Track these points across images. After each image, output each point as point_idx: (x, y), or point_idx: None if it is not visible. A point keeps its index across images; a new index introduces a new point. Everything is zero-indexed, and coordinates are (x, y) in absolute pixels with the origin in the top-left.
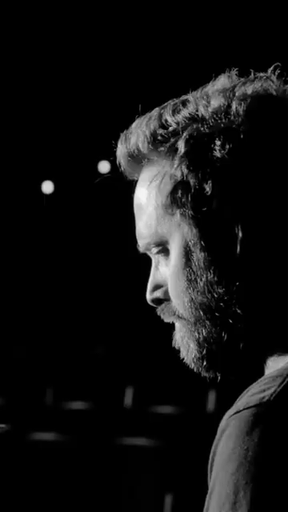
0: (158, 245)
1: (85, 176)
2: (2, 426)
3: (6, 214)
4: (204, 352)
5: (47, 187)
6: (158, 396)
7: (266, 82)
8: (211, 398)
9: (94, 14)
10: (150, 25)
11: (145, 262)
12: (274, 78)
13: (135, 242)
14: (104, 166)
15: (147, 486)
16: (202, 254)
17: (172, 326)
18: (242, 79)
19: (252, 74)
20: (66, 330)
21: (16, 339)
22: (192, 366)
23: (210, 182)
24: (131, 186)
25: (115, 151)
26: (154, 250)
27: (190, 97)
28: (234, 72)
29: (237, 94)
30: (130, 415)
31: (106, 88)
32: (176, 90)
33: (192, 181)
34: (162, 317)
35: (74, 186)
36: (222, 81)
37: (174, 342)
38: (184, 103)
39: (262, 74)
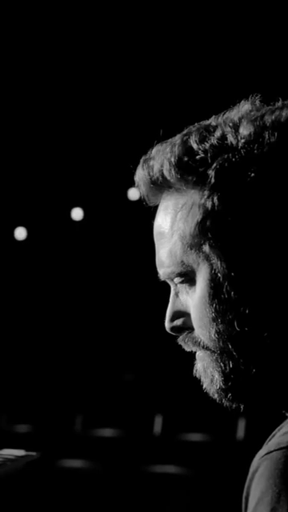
0: (182, 274)
1: (115, 203)
2: (33, 453)
3: (37, 239)
4: (230, 383)
5: (77, 214)
6: (188, 423)
7: None
8: (241, 425)
9: (118, 39)
10: (169, 50)
11: (165, 292)
12: None
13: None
14: (134, 193)
15: None
16: (232, 286)
17: (193, 355)
18: (269, 107)
19: (280, 101)
20: (95, 356)
21: (45, 366)
22: (215, 396)
23: (242, 214)
24: (150, 211)
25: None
26: (178, 279)
27: (213, 123)
28: (258, 98)
29: (268, 123)
30: (160, 443)
31: (132, 115)
32: (197, 115)
33: (223, 212)
34: (183, 346)
35: (103, 213)
36: (247, 107)
37: (194, 371)
38: (209, 130)
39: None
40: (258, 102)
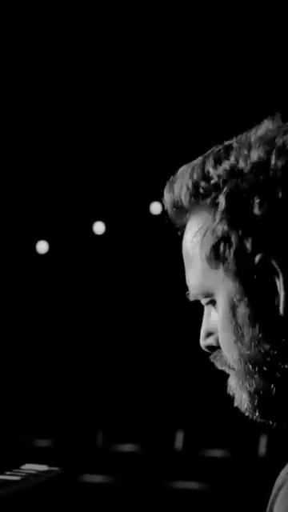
0: (205, 296)
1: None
2: (56, 468)
3: (59, 252)
4: (256, 403)
5: (99, 228)
6: (209, 439)
7: None
8: (263, 441)
9: (130, 61)
10: (192, 67)
11: (188, 310)
12: None
13: (181, 284)
14: (156, 208)
15: None
16: (247, 309)
17: (223, 371)
18: (284, 127)
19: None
20: (118, 372)
21: (68, 382)
22: (246, 414)
23: (250, 238)
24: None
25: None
26: (204, 300)
27: (234, 143)
28: (279, 116)
29: (276, 147)
30: (181, 458)
31: (155, 131)
32: (218, 134)
33: (233, 237)
34: (215, 364)
35: (125, 227)
36: (265, 126)
37: (228, 389)
38: (227, 152)
39: None
40: (279, 120)
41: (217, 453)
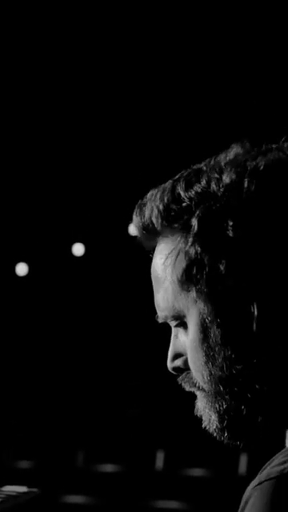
0: (175, 318)
1: (115, 238)
2: (35, 490)
3: (39, 274)
4: (225, 423)
5: (78, 250)
6: (190, 459)
7: (278, 153)
8: (243, 460)
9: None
10: (179, 79)
11: (164, 332)
12: (286, 148)
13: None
14: (134, 229)
15: None
16: (219, 330)
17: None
18: (254, 152)
19: (264, 145)
20: (98, 392)
21: (47, 402)
22: (214, 434)
23: (223, 260)
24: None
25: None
26: (173, 322)
27: (203, 167)
28: (247, 142)
29: (248, 170)
30: (162, 478)
31: (132, 152)
32: (196, 155)
33: (206, 259)
34: (183, 386)
35: (104, 249)
36: (235, 150)
37: (195, 410)
38: (197, 175)
39: (273, 146)
40: (247, 145)
41: (197, 472)
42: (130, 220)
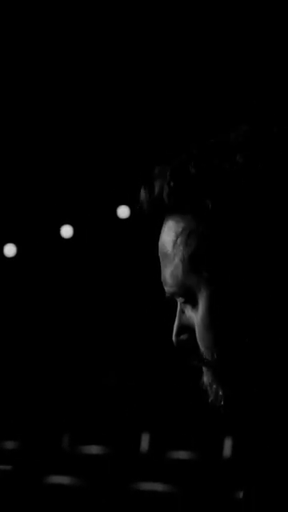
0: (184, 295)
1: (104, 221)
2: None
3: (27, 255)
4: (232, 399)
5: (66, 232)
6: (175, 441)
7: None
8: (227, 444)
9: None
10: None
11: (161, 306)
12: None
13: (152, 285)
14: (123, 212)
15: None
16: (230, 310)
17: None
18: (268, 131)
19: (274, 124)
20: (84, 374)
21: (33, 383)
22: (219, 410)
23: (236, 241)
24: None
25: (138, 196)
26: (181, 299)
27: (214, 147)
28: (258, 120)
29: (262, 150)
30: (147, 460)
31: (123, 134)
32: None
33: (219, 239)
34: (189, 359)
35: (93, 231)
36: (245, 130)
37: (201, 383)
38: (208, 155)
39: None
40: (258, 125)
41: (182, 455)
42: (118, 202)
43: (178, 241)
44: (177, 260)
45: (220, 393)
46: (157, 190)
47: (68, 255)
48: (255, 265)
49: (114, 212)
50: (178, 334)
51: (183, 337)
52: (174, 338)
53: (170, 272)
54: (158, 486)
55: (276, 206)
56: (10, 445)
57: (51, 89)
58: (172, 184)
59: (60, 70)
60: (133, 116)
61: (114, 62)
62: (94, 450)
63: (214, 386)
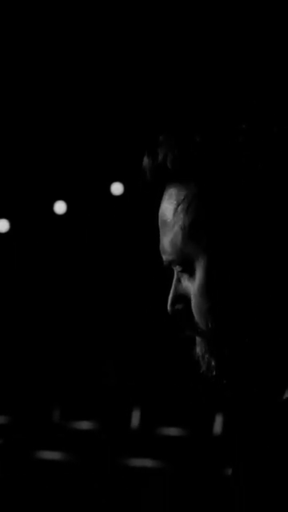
0: (182, 263)
1: (97, 197)
2: None
3: (20, 231)
4: (225, 371)
5: (60, 208)
6: (165, 418)
7: None
8: (218, 421)
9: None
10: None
11: (152, 283)
12: None
13: (146, 262)
14: (117, 188)
15: (151, 507)
16: (228, 279)
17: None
18: (271, 100)
19: (281, 94)
20: (74, 349)
21: (23, 358)
22: (211, 381)
23: (239, 210)
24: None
25: (141, 163)
26: (178, 267)
27: (219, 117)
28: (261, 89)
29: (268, 121)
30: (137, 436)
31: (121, 110)
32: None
33: (221, 208)
34: (182, 329)
35: (86, 207)
36: (250, 100)
37: (193, 354)
38: (214, 123)
39: None
40: (262, 101)
41: (173, 431)
42: (112, 179)
43: (179, 208)
44: (177, 228)
45: (212, 363)
46: (161, 156)
47: (61, 231)
48: (256, 234)
49: (108, 189)
50: (173, 303)
51: (178, 306)
52: (168, 307)
53: (170, 240)
54: (147, 462)
55: (280, 176)
56: (0, 419)
57: (43, 64)
58: (177, 151)
59: (51, 47)
60: (127, 92)
61: (107, 40)
62: (84, 425)
63: (207, 357)
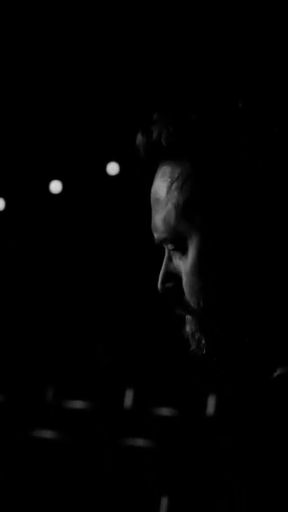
0: (174, 242)
1: (93, 177)
2: None
3: (16, 210)
4: (215, 349)
5: (55, 187)
6: (159, 398)
7: None
8: (211, 401)
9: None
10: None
11: (147, 264)
12: None
13: (137, 244)
14: (113, 168)
15: (144, 488)
16: (221, 258)
17: (176, 320)
18: (266, 85)
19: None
20: (68, 328)
21: (17, 337)
22: (201, 359)
23: (235, 189)
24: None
25: (135, 141)
26: (170, 246)
27: (215, 96)
28: (257, 71)
29: (263, 99)
30: (130, 416)
31: (116, 90)
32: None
33: (215, 187)
34: (173, 307)
35: (82, 187)
36: (246, 82)
37: (183, 332)
38: (209, 103)
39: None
40: (258, 82)
41: (166, 411)
42: (108, 159)
43: (173, 186)
44: (170, 205)
45: (203, 341)
46: (155, 134)
47: (57, 211)
48: (250, 214)
49: (104, 168)
50: (163, 282)
51: (168, 284)
52: (159, 286)
53: (162, 217)
54: (140, 442)
55: (275, 154)
56: None
57: (35, 44)
58: (172, 128)
59: (43, 27)
60: (123, 72)
61: (101, 19)
62: (77, 404)
63: (198, 335)
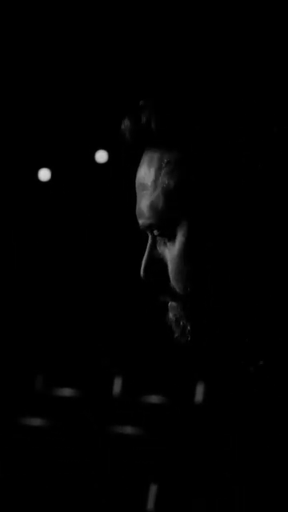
0: (161, 227)
1: (82, 165)
2: None
3: (3, 199)
4: (200, 336)
5: (44, 175)
6: (147, 386)
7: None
8: (199, 389)
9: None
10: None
11: (135, 252)
12: None
13: (129, 231)
14: (101, 156)
15: (133, 476)
16: (211, 244)
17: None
18: (258, 68)
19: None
20: (56, 315)
21: (7, 325)
22: (185, 345)
23: (225, 177)
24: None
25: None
26: (156, 232)
27: (205, 83)
28: (244, 60)
29: (255, 84)
30: (118, 404)
31: (105, 76)
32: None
33: (205, 173)
34: (156, 294)
35: (71, 175)
36: (236, 72)
37: (167, 319)
38: (200, 89)
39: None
40: (251, 68)
41: (154, 399)
42: (97, 147)
43: (163, 172)
44: (158, 191)
45: (188, 328)
46: (144, 119)
47: (45, 199)
48: (240, 202)
49: (92, 156)
50: (146, 268)
51: (151, 270)
52: (142, 272)
53: (149, 203)
54: (129, 430)
55: (266, 141)
56: None
57: (25, 32)
58: (160, 114)
59: (35, 16)
60: (113, 60)
61: (91, 4)
62: (66, 392)
63: (183, 322)
